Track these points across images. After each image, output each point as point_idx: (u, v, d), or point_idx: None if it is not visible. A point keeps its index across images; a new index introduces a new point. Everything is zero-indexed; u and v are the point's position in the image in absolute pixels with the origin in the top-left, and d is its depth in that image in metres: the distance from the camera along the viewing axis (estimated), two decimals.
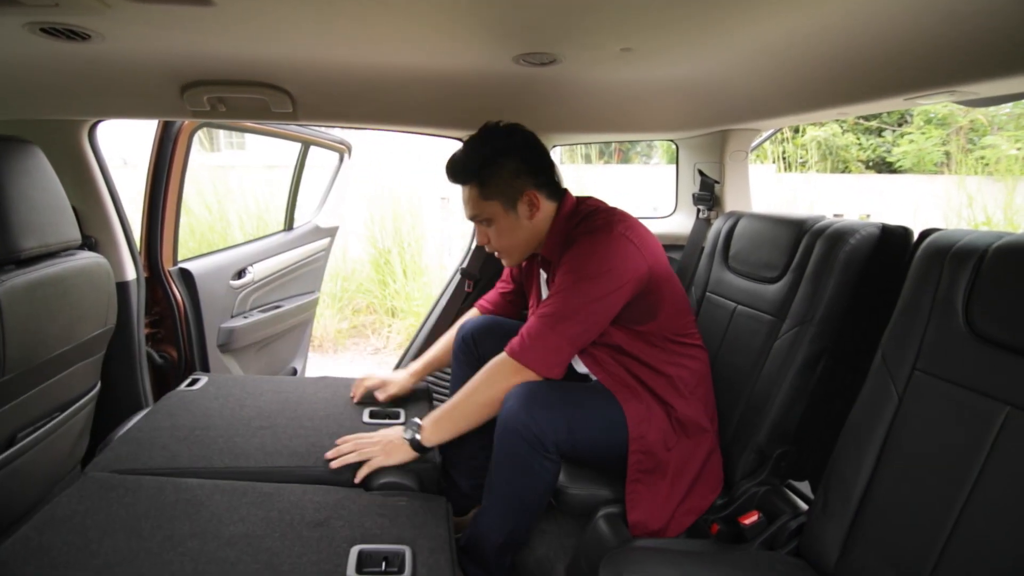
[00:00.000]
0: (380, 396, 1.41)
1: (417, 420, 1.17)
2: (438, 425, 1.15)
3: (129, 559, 0.85)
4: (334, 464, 1.12)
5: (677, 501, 1.16)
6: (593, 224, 1.19)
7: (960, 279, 0.87)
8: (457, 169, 1.23)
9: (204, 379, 1.51)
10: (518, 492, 1.14)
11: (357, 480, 1.11)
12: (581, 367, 1.33)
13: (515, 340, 1.14)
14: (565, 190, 1.31)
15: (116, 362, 1.56)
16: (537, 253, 1.32)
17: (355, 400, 1.43)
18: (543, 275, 1.36)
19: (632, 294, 1.15)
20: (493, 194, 1.22)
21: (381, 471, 1.13)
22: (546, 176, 1.26)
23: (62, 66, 1.18)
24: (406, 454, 1.14)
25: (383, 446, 1.15)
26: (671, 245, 2.00)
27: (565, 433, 1.11)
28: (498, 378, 1.14)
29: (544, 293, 1.34)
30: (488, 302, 1.58)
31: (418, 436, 1.14)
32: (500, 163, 1.20)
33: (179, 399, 1.38)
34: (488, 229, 1.27)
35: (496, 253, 1.33)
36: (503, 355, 1.15)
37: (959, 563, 0.79)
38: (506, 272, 1.57)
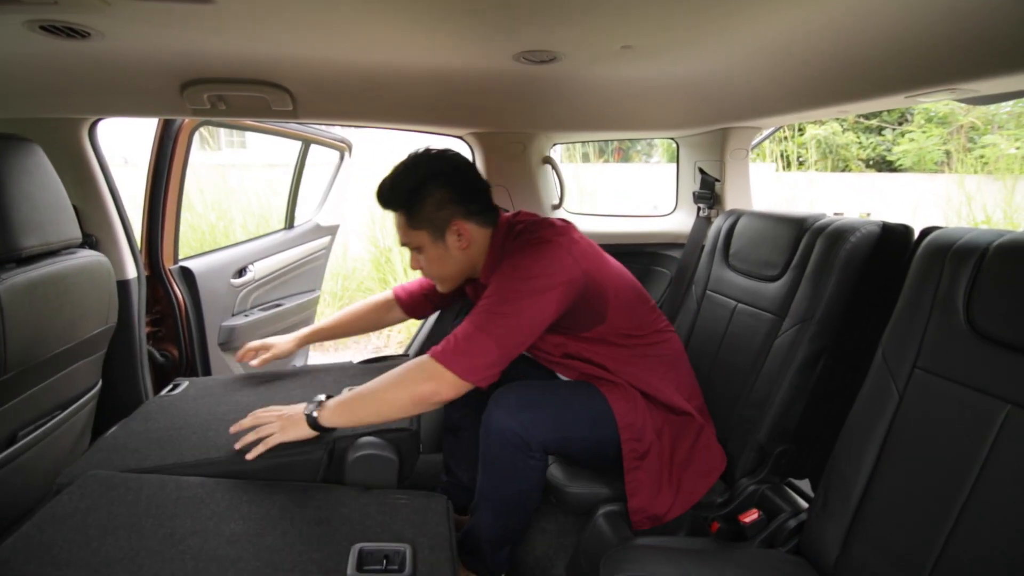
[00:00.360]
0: (255, 363, 1.39)
1: (322, 397, 1.11)
2: (339, 410, 1.07)
3: (130, 556, 0.85)
4: (237, 445, 1.06)
5: (676, 485, 1.17)
6: (524, 238, 1.16)
7: (961, 277, 0.87)
8: (384, 196, 1.18)
9: (185, 383, 1.47)
10: (508, 493, 1.14)
11: (250, 458, 1.05)
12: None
13: (441, 343, 1.07)
14: (498, 214, 1.25)
15: (117, 360, 1.57)
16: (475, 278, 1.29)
17: (237, 359, 1.42)
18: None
19: (567, 299, 1.11)
20: (420, 224, 1.17)
21: (355, 440, 1.09)
22: (478, 205, 1.20)
23: (62, 64, 1.18)
24: (303, 431, 1.07)
25: (282, 421, 1.07)
26: (671, 244, 2.00)
27: (553, 431, 1.11)
28: (413, 380, 1.05)
29: None
30: (405, 292, 1.51)
31: (315, 414, 1.07)
32: (427, 192, 1.15)
33: (159, 404, 1.36)
34: (419, 257, 1.22)
35: (431, 278, 1.30)
36: (426, 356, 1.07)
37: (959, 561, 0.79)
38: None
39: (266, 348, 1.41)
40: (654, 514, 1.14)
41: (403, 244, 1.22)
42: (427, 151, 1.19)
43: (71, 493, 0.99)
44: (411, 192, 1.15)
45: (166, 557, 0.85)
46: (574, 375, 1.26)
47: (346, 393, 1.10)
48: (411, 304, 1.50)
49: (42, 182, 1.13)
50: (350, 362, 1.58)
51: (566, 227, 1.20)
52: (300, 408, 1.10)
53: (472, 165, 1.23)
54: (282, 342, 1.43)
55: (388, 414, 1.07)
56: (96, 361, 1.38)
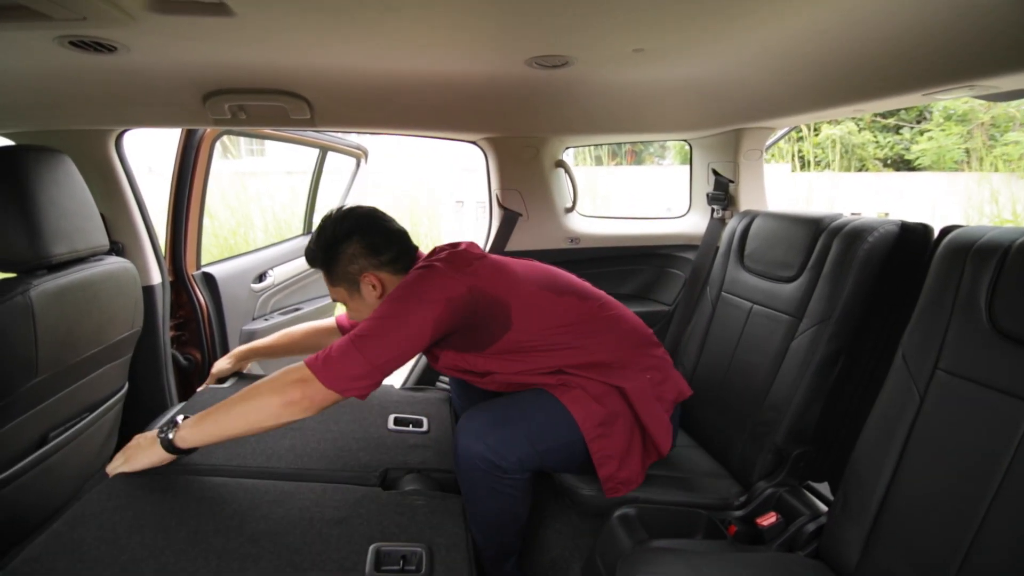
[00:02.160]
0: (201, 388, 1.48)
1: (178, 418, 1.09)
2: (200, 425, 1.05)
3: (156, 554, 0.87)
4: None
5: (640, 446, 1.19)
6: (416, 266, 1.20)
7: (983, 276, 0.86)
8: (309, 257, 1.25)
9: (232, 380, 1.55)
10: (489, 514, 1.15)
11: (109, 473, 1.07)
12: None
13: (319, 353, 1.07)
14: (415, 258, 1.26)
15: (143, 364, 1.61)
16: None
17: (207, 383, 1.51)
18: None
19: (450, 315, 1.12)
20: (337, 279, 1.23)
21: (405, 475, 1.15)
22: (390, 254, 1.22)
23: (90, 78, 1.22)
24: (154, 456, 1.07)
25: (127, 454, 1.09)
26: (685, 245, 1.99)
27: (527, 447, 1.11)
28: (283, 385, 1.04)
29: None
30: (348, 321, 1.52)
31: (171, 435, 1.06)
32: (338, 250, 1.20)
33: (211, 395, 1.42)
34: (347, 307, 1.30)
35: None
36: (300, 364, 1.06)
37: (984, 566, 0.77)
38: None
39: (211, 377, 1.52)
40: (622, 478, 1.16)
41: (332, 299, 1.30)
42: (339, 211, 1.24)
43: (99, 493, 1.02)
44: (325, 251, 1.22)
45: (190, 555, 0.88)
46: (522, 388, 1.25)
47: (206, 410, 1.07)
48: (349, 329, 1.50)
49: (71, 192, 1.17)
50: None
51: (457, 252, 1.21)
52: (151, 434, 1.10)
53: (382, 216, 1.26)
54: (220, 361, 1.53)
55: (257, 421, 1.04)
56: (123, 365, 1.42)
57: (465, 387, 1.45)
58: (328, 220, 1.23)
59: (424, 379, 2.01)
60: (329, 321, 1.58)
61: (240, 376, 1.59)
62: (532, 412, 1.15)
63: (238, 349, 1.57)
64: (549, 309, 1.21)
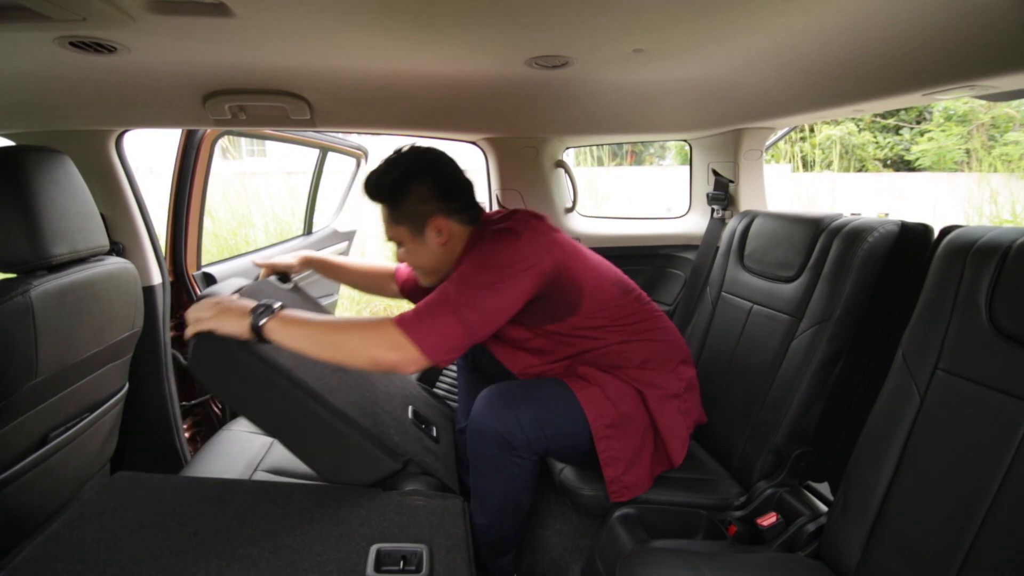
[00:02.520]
0: (261, 273, 1.47)
1: (274, 306, 1.03)
2: (290, 329, 1.02)
3: (156, 555, 0.87)
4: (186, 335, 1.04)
5: (650, 453, 1.18)
6: (492, 229, 1.17)
7: (983, 276, 0.86)
8: (370, 188, 1.20)
9: (291, 284, 1.53)
10: (497, 494, 1.15)
11: (185, 338, 1.03)
12: None
13: (409, 314, 1.04)
14: (480, 213, 1.26)
15: (143, 364, 1.61)
16: None
17: (265, 274, 1.49)
18: None
19: (536, 286, 1.11)
20: (401, 218, 1.18)
21: (419, 476, 1.13)
22: (460, 202, 1.20)
23: (90, 78, 1.22)
24: (240, 331, 1.01)
25: (218, 310, 1.02)
26: (685, 245, 1.99)
27: (534, 429, 1.11)
28: (379, 345, 1.02)
29: None
30: (405, 271, 1.50)
31: (262, 322, 1.01)
32: (409, 187, 1.16)
33: (274, 290, 1.42)
34: (400, 249, 1.24)
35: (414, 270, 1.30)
36: (390, 322, 1.04)
37: (985, 566, 0.77)
38: None
39: (272, 265, 1.49)
40: (627, 482, 1.15)
41: (388, 238, 1.24)
42: (412, 148, 1.21)
43: (99, 493, 1.02)
44: (394, 186, 1.17)
45: (190, 556, 0.88)
46: (549, 372, 1.26)
47: (302, 313, 1.05)
48: (404, 283, 1.51)
49: (71, 192, 1.17)
50: None
51: (539, 221, 1.20)
52: (244, 305, 1.03)
53: (455, 163, 1.23)
54: (285, 256, 1.50)
55: (342, 359, 1.04)
56: (123, 365, 1.42)
57: (475, 386, 1.44)
58: (401, 155, 1.19)
59: (424, 378, 2.01)
60: (390, 266, 1.56)
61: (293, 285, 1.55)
62: (545, 398, 1.16)
63: (306, 253, 1.51)
64: (614, 304, 1.21)
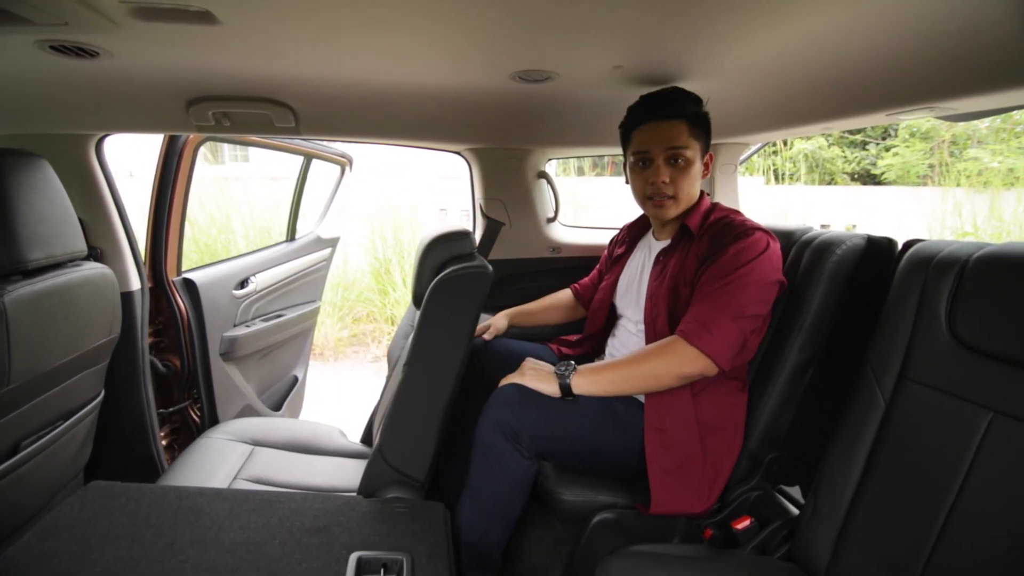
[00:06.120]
0: (487, 336, 1.55)
1: (573, 364, 1.20)
2: (594, 377, 1.16)
3: (131, 566, 0.86)
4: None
5: (711, 479, 1.20)
6: (736, 230, 1.19)
7: (943, 288, 0.90)
8: (671, 101, 1.21)
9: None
10: (492, 490, 1.17)
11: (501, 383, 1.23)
12: None
13: (690, 325, 1.11)
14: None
15: (120, 371, 1.58)
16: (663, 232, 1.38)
17: (487, 337, 1.55)
18: (645, 265, 1.37)
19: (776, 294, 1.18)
20: (699, 136, 1.24)
21: (387, 486, 1.15)
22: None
23: (71, 82, 1.21)
24: (552, 390, 1.18)
25: (537, 374, 1.21)
26: None
27: (543, 430, 1.15)
28: (676, 359, 1.11)
29: (644, 282, 1.34)
30: (580, 285, 1.67)
31: (568, 380, 1.16)
32: (706, 115, 1.25)
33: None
34: (672, 167, 1.25)
35: (663, 199, 1.27)
36: (677, 337, 1.12)
37: (948, 564, 0.80)
38: (602, 258, 1.63)
39: (487, 327, 1.58)
40: (685, 512, 1.19)
41: (666, 150, 1.24)
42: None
43: (72, 503, 1.00)
44: (699, 107, 1.24)
45: (166, 567, 0.87)
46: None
47: (590, 365, 1.20)
48: (581, 294, 1.65)
49: (49, 196, 1.16)
50: None
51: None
52: (548, 368, 1.22)
53: None
54: (496, 318, 1.60)
55: (649, 386, 1.15)
56: (99, 372, 1.39)
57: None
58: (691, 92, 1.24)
59: None
60: (564, 293, 1.69)
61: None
62: (559, 403, 1.19)
63: (506, 311, 1.63)
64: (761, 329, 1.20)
